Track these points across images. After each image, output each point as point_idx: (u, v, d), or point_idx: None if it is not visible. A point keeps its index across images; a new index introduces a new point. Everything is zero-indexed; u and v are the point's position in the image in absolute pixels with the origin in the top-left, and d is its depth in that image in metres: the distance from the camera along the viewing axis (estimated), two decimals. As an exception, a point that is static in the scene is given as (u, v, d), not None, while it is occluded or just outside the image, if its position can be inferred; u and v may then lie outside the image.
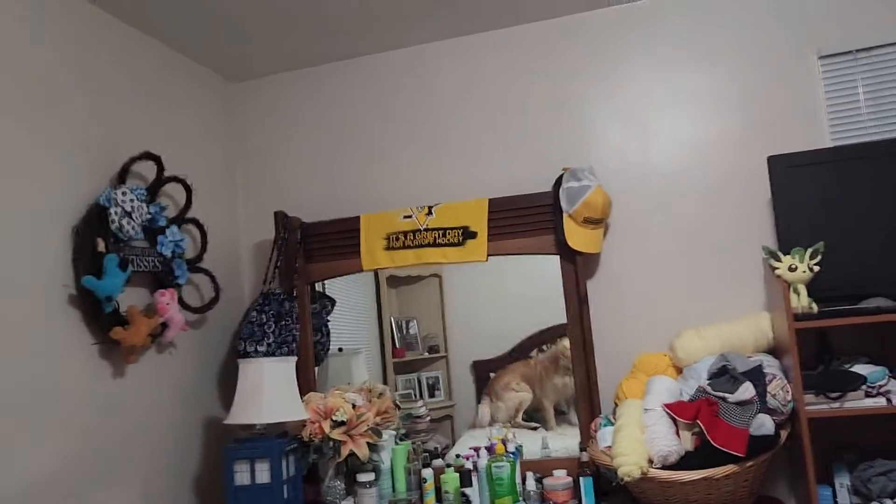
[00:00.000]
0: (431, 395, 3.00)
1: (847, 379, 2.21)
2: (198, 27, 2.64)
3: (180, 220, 2.58)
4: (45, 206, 2.08)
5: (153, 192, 2.45)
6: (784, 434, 2.25)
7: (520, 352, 2.87)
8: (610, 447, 2.32)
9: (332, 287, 3.05)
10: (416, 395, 2.99)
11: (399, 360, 3.02)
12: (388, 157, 3.02)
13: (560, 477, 2.46)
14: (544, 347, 2.83)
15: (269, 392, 2.37)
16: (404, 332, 3.05)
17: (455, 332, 2.98)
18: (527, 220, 2.73)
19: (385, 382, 2.97)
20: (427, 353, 3.02)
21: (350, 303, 3.07)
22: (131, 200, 2.25)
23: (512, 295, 2.86)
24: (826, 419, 2.37)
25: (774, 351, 2.44)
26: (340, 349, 3.09)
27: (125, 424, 2.29)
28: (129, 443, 2.30)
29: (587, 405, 2.63)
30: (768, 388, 2.23)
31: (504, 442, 2.57)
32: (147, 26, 2.59)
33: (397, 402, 2.87)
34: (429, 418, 2.93)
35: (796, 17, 2.64)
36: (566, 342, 2.73)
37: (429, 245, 2.79)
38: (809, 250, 2.26)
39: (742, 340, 2.45)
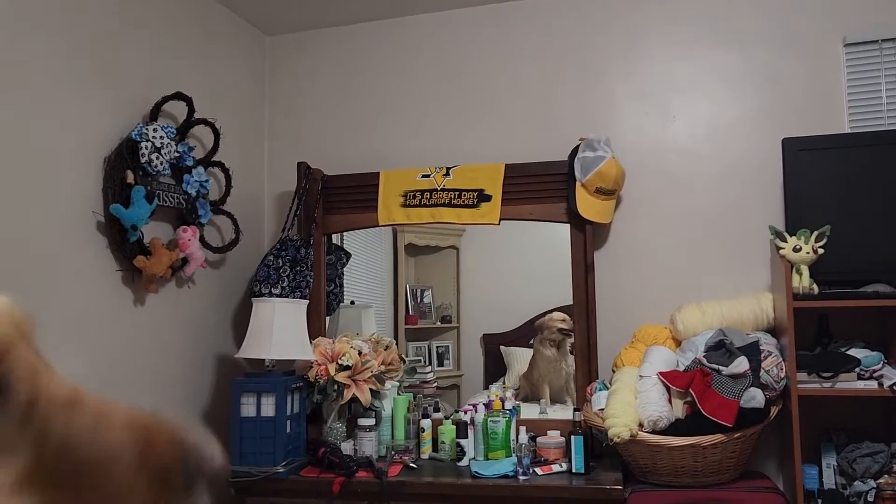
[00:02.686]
0: (440, 364, 3.09)
1: (841, 361, 2.25)
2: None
3: (207, 162, 2.68)
4: (80, 138, 2.19)
5: (182, 132, 2.55)
6: (774, 410, 2.30)
7: (529, 328, 2.93)
8: (603, 409, 2.39)
9: (352, 247, 3.13)
10: (425, 362, 3.07)
11: (411, 327, 3.11)
12: (411, 118, 3.09)
13: (553, 436, 2.54)
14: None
15: (279, 331, 2.48)
16: (418, 300, 3.13)
17: (468, 304, 3.05)
18: (541, 186, 2.78)
19: (396, 347, 3.06)
20: (439, 323, 3.10)
21: (368, 264, 3.15)
22: (161, 137, 2.34)
23: (527, 271, 2.92)
24: (816, 399, 2.41)
25: (774, 331, 2.48)
26: (353, 302, 3.19)
27: (142, 350, 2.41)
28: (144, 368, 2.42)
29: (584, 370, 2.69)
30: (763, 364, 2.28)
31: (502, 399, 2.65)
32: (187, -28, 2.67)
33: (403, 357, 2.96)
34: (436, 384, 3.02)
35: (825, 2, 2.65)
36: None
37: (444, 205, 2.86)
38: (815, 233, 2.30)
39: (742, 317, 2.50)
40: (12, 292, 1.91)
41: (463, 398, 2.97)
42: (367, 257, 3.15)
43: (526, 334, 2.95)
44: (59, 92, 2.12)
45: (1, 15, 1.94)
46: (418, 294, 3.13)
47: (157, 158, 2.32)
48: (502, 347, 3.03)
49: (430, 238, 3.07)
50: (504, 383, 2.94)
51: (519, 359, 3.01)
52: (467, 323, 3.05)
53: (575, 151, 2.71)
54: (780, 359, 2.30)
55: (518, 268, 2.94)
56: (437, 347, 3.10)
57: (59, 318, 2.09)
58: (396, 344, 3.05)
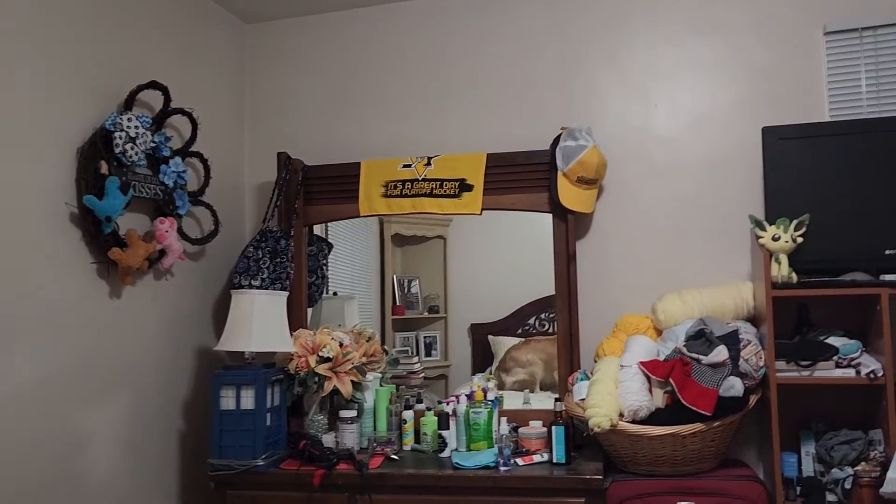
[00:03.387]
0: (428, 354, 3.07)
1: (820, 349, 2.26)
2: (212, -36, 2.68)
3: (185, 152, 2.64)
4: (52, 128, 2.15)
5: (159, 121, 2.51)
6: (754, 399, 2.31)
7: (519, 317, 2.93)
8: (584, 399, 2.39)
9: (337, 238, 3.11)
10: (412, 353, 3.06)
11: (398, 318, 3.09)
12: (392, 107, 3.06)
13: (535, 427, 2.54)
14: (542, 316, 2.89)
15: (259, 323, 2.46)
16: (406, 290, 3.12)
17: (456, 294, 3.04)
18: (523, 176, 2.77)
19: (383, 338, 3.05)
20: (427, 313, 3.09)
21: (353, 255, 3.13)
22: (136, 127, 2.31)
23: (514, 261, 2.91)
24: (795, 387, 2.43)
25: (754, 319, 2.49)
26: (335, 293, 3.17)
27: (119, 344, 2.39)
28: (120, 362, 2.39)
29: (566, 360, 2.69)
30: (742, 353, 2.28)
31: (484, 390, 2.64)
32: (162, -41, 2.63)
33: (386, 348, 2.95)
34: (423, 375, 3.01)
35: (806, -10, 2.64)
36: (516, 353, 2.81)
37: (425, 195, 2.84)
38: (794, 222, 2.30)
39: (723, 306, 2.50)
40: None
41: (451, 388, 2.97)
42: (352, 248, 3.13)
43: (513, 324, 2.95)
44: (30, 80, 2.08)
45: (-33, 2, 1.90)
46: (405, 284, 3.12)
47: (132, 149, 2.29)
48: (490, 337, 3.03)
49: (417, 228, 3.05)
50: (490, 373, 2.94)
51: (506, 348, 3.00)
52: (455, 313, 3.04)
53: (557, 140, 2.70)
54: (760, 347, 2.30)
55: (506, 257, 2.93)
56: (425, 338, 3.09)
57: (33, 312, 2.06)
58: (383, 335, 3.03)
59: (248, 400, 2.41)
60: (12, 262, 2.00)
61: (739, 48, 2.71)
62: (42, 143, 2.11)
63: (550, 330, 2.83)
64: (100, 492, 2.28)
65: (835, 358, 2.24)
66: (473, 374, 2.98)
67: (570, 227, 2.71)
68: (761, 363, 2.28)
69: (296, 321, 2.87)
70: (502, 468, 2.31)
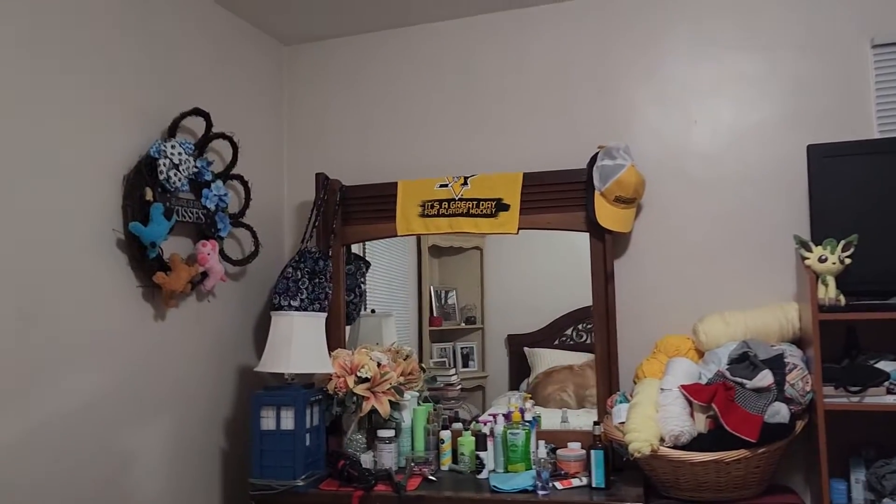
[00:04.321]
0: (465, 365, 3.08)
1: (869, 374, 2.19)
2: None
3: (226, 175, 2.69)
4: (100, 156, 2.21)
5: (201, 147, 2.56)
6: (800, 424, 2.25)
7: (555, 329, 2.91)
8: (623, 423, 2.35)
9: (374, 252, 3.14)
10: (450, 364, 3.06)
11: (436, 329, 3.10)
12: (429, 127, 3.07)
13: (573, 449, 2.51)
14: (580, 327, 2.87)
15: (298, 344, 2.49)
16: (443, 301, 3.12)
17: (492, 304, 3.04)
18: (559, 195, 2.75)
19: (421, 349, 3.06)
20: (464, 324, 3.09)
21: (391, 269, 3.15)
22: (179, 154, 2.36)
23: (551, 272, 2.90)
24: (844, 413, 2.35)
25: (800, 342, 2.43)
26: (373, 311, 3.19)
27: (163, 366, 2.44)
28: (165, 383, 2.45)
29: (605, 381, 2.66)
30: (787, 378, 2.23)
31: (521, 410, 2.63)
32: (204, -13, 2.69)
33: (423, 366, 2.95)
34: (460, 387, 3.01)
35: (852, 2, 2.57)
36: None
37: (462, 214, 2.84)
38: (842, 242, 2.24)
39: (767, 328, 2.44)
40: (37, 311, 1.96)
41: (488, 399, 2.96)
42: (389, 261, 3.15)
43: (549, 335, 2.93)
44: (77, 111, 2.15)
45: (22, 35, 1.97)
46: (442, 295, 3.12)
47: (176, 175, 2.34)
48: (526, 348, 3.02)
49: (454, 239, 3.06)
50: (527, 390, 2.92)
51: (543, 360, 2.99)
52: (492, 324, 3.03)
53: (594, 159, 2.67)
54: (806, 372, 2.24)
55: (542, 268, 2.91)
56: (462, 349, 3.09)
57: (83, 335, 2.12)
58: (421, 346, 3.04)
59: (287, 420, 2.44)
60: (62, 287, 2.06)
61: (783, 63, 2.65)
62: (90, 172, 2.18)
63: (588, 341, 2.81)
64: (145, 511, 2.33)
65: (886, 384, 2.16)
66: (511, 385, 2.97)
67: (608, 246, 2.68)
68: (808, 388, 2.22)
69: (334, 340, 2.89)
70: (541, 492, 2.29)
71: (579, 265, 2.78)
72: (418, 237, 3.06)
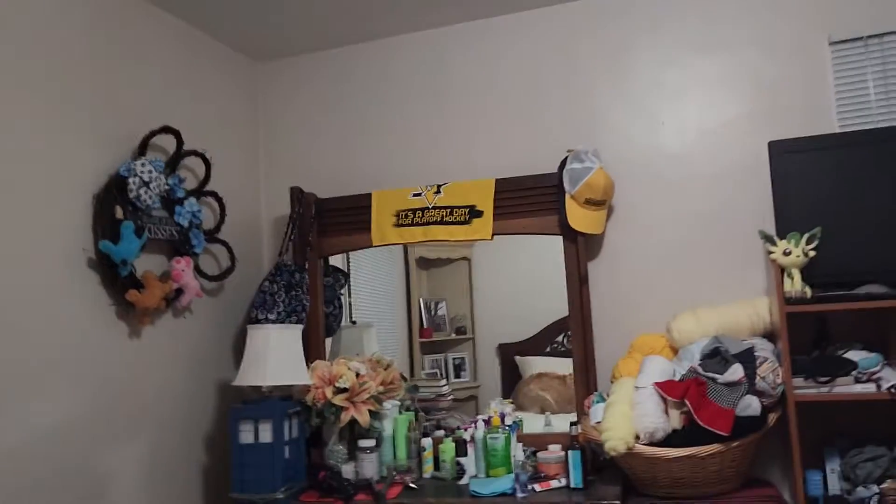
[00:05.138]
0: (457, 376, 3.08)
1: (838, 364, 2.22)
2: (223, 9, 2.76)
3: (199, 192, 2.71)
4: (69, 176, 2.23)
5: (173, 164, 2.58)
6: (772, 417, 2.27)
7: (546, 336, 2.92)
8: (600, 423, 2.37)
9: (360, 265, 3.15)
10: (441, 375, 3.07)
11: (426, 340, 3.11)
12: (402, 137, 3.10)
13: (553, 451, 2.53)
14: (570, 333, 2.88)
15: (274, 357, 2.50)
16: (432, 312, 3.14)
17: (482, 314, 3.05)
18: (532, 200, 2.78)
19: (412, 361, 3.07)
20: (454, 335, 3.10)
21: (378, 281, 3.17)
22: (150, 171, 2.38)
23: (539, 280, 2.91)
24: (816, 404, 2.37)
25: (771, 335, 2.45)
26: (354, 322, 3.20)
27: (139, 383, 2.44)
28: (141, 400, 2.45)
29: (583, 383, 2.68)
30: (758, 371, 2.25)
31: (501, 415, 2.64)
32: (174, 7, 2.71)
33: (404, 375, 2.96)
34: (451, 397, 3.02)
35: (808, 1, 2.62)
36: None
37: (436, 223, 2.87)
38: (806, 235, 2.27)
39: (738, 323, 2.47)
40: (6, 330, 1.96)
41: (481, 409, 2.96)
42: (374, 274, 3.17)
43: (540, 343, 2.94)
44: (46, 129, 2.17)
45: (-16, 62, 1.99)
46: (432, 307, 3.14)
47: (146, 193, 2.36)
48: (517, 357, 3.03)
49: (442, 251, 3.08)
50: (511, 397, 2.93)
51: (534, 367, 3.00)
52: (482, 334, 3.05)
53: (563, 163, 2.70)
54: (777, 364, 2.27)
55: (531, 277, 2.93)
56: (454, 359, 3.10)
57: (54, 354, 2.13)
58: (412, 358, 3.05)
59: (265, 433, 2.45)
60: (33, 306, 2.07)
61: (744, 63, 2.69)
62: (59, 190, 2.19)
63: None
64: (124, 529, 2.33)
65: (854, 373, 2.19)
66: (504, 393, 2.97)
67: (581, 248, 2.71)
68: (779, 380, 2.25)
69: (314, 352, 2.90)
70: (519, 495, 2.30)
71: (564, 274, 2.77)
72: (405, 249, 3.08)
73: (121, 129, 2.45)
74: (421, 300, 3.14)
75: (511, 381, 2.97)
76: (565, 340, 2.87)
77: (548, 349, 2.93)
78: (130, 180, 2.32)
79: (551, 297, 2.85)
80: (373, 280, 3.17)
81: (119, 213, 2.28)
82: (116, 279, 2.30)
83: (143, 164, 2.37)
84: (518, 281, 2.96)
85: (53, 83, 2.20)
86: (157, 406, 2.52)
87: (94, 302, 2.28)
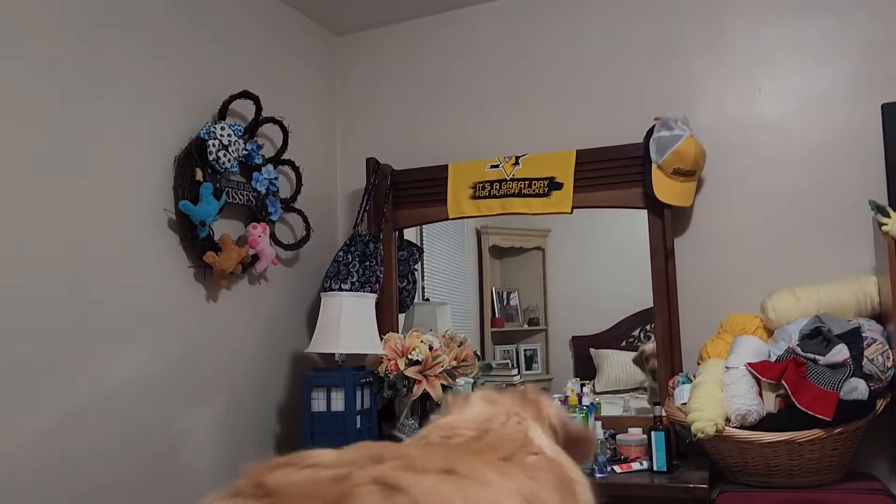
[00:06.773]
0: (529, 368, 3.01)
1: (959, 347, 2.01)
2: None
3: (277, 160, 2.71)
4: (153, 138, 2.26)
5: (251, 130, 2.59)
6: (881, 403, 2.08)
7: (622, 329, 2.83)
8: (686, 404, 2.23)
9: (433, 248, 3.11)
10: (512, 366, 3.00)
11: (498, 330, 3.05)
12: (479, 108, 3.02)
13: (634, 433, 2.40)
14: (648, 328, 2.76)
15: (347, 325, 2.47)
16: (505, 302, 3.08)
17: (556, 306, 2.97)
18: (615, 171, 2.66)
19: (483, 351, 3.02)
20: (527, 325, 3.03)
21: (451, 267, 3.13)
22: (229, 135, 2.39)
23: (616, 272, 2.82)
24: (933, 391, 2.16)
25: (879, 317, 2.25)
26: (428, 299, 3.16)
27: (214, 346, 2.46)
28: (216, 364, 2.46)
29: (667, 363, 2.54)
30: (865, 353, 2.07)
31: (578, 395, 2.53)
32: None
33: (477, 353, 2.89)
34: (523, 388, 2.93)
35: (929, -47, 2.40)
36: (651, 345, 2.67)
37: (514, 195, 2.77)
38: (924, 206, 2.07)
39: (842, 303, 2.27)
40: (89, 289, 1.98)
41: (554, 399, 2.88)
42: (448, 257, 3.12)
43: (616, 336, 2.84)
44: (130, 93, 2.20)
45: (74, 20, 2.03)
46: (504, 296, 3.07)
47: (225, 156, 2.36)
48: (592, 350, 2.93)
49: (515, 240, 3.02)
50: (594, 387, 2.82)
51: (609, 361, 2.89)
52: (555, 325, 2.97)
53: (650, 132, 2.57)
54: (887, 346, 2.07)
55: (607, 268, 2.83)
56: (525, 350, 3.04)
57: (134, 314, 2.15)
58: (483, 347, 2.99)
59: (338, 402, 2.42)
60: (116, 266, 2.10)
61: (850, 24, 2.48)
62: (142, 153, 2.22)
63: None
64: (193, 489, 2.33)
65: (979, 357, 1.98)
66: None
67: (668, 222, 2.56)
68: (889, 364, 2.05)
69: (387, 325, 2.86)
70: (598, 475, 2.19)
71: (645, 265, 2.63)
72: (479, 236, 3.03)
73: (203, 94, 2.47)
74: (493, 289, 3.07)
75: (585, 374, 2.86)
76: (641, 335, 2.75)
77: (623, 343, 2.82)
78: (210, 143, 2.33)
79: (628, 291, 2.75)
80: (446, 265, 3.12)
81: (199, 174, 2.30)
82: (195, 241, 2.31)
83: (222, 128, 2.37)
84: (593, 272, 2.86)
85: (138, 48, 2.24)
86: (230, 370, 2.53)
87: (174, 263, 2.30)
